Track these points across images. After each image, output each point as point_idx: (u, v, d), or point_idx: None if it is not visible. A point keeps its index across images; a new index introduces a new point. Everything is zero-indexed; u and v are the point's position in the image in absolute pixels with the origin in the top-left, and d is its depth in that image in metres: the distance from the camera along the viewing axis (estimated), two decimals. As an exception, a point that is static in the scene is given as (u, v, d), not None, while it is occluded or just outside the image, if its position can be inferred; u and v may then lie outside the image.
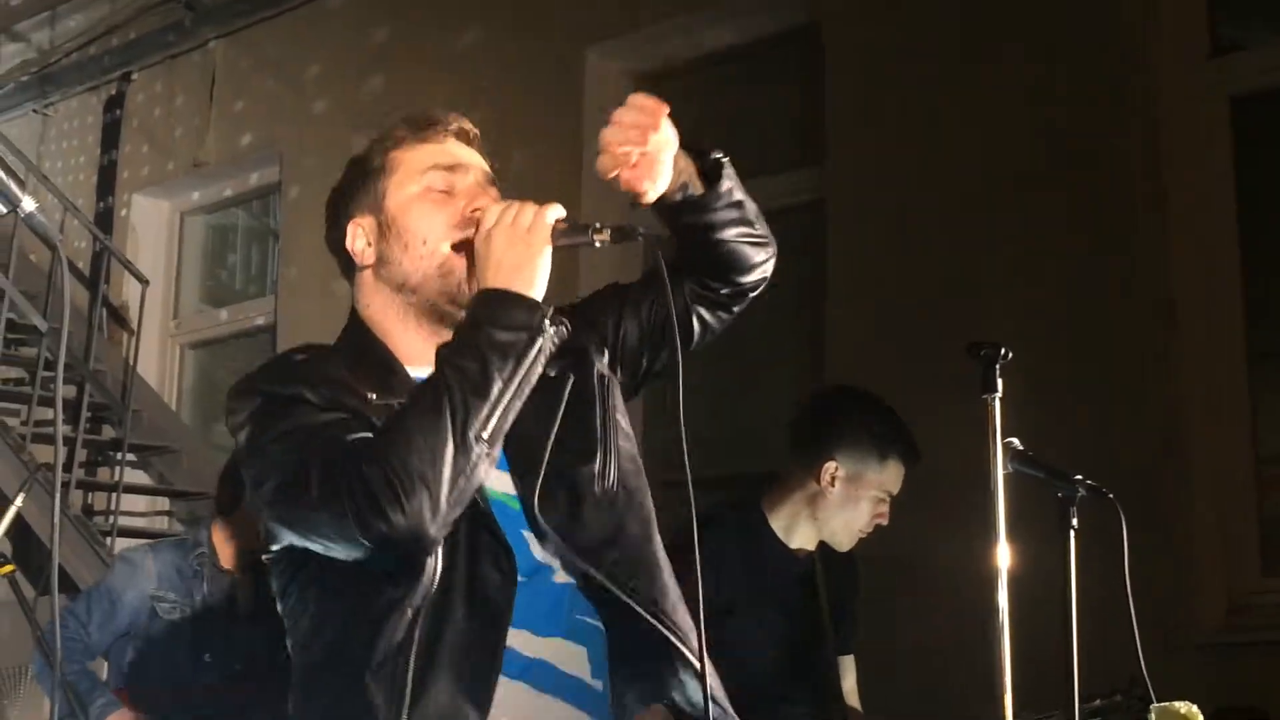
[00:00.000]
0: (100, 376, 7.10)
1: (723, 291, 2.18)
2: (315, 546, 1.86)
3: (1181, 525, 4.29)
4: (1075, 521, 2.47)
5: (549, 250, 1.91)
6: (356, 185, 2.11)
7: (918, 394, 4.23)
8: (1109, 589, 2.51)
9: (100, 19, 7.58)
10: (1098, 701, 2.98)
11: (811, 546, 3.39)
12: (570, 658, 1.95)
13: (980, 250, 4.68)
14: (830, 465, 3.32)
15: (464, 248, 1.99)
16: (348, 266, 2.10)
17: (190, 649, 4.10)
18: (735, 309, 2.21)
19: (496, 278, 1.89)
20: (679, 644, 2.01)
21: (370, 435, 1.84)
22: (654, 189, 1.99)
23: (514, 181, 6.23)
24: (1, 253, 6.82)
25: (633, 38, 5.79)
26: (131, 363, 6.96)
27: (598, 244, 1.95)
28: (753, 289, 2.20)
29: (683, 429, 1.94)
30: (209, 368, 7.76)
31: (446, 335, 1.95)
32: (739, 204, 2.11)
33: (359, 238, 2.07)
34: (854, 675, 3.54)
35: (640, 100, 1.97)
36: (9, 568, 3.93)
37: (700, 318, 2.20)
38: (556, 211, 1.94)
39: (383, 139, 2.14)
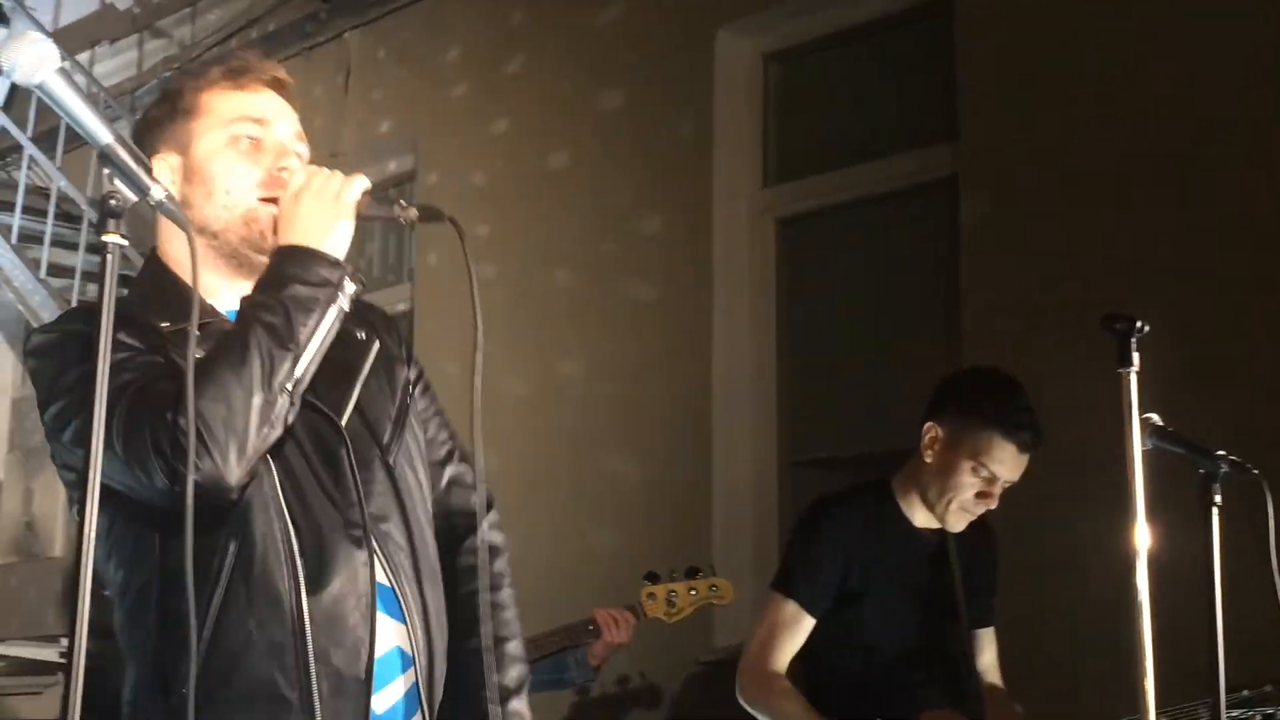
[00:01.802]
0: (244, 364, 7.23)
1: None
2: (119, 489, 1.88)
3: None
4: (1218, 499, 2.40)
5: (352, 220, 1.98)
6: (165, 119, 2.13)
7: (1058, 370, 4.16)
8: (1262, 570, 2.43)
9: (239, 13, 7.71)
10: (1245, 692, 2.87)
11: (937, 524, 3.33)
12: None
13: (1126, 223, 4.55)
14: (929, 428, 3.26)
15: (269, 203, 2.05)
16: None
17: None
18: None
19: (301, 235, 1.96)
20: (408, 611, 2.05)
21: (171, 379, 1.87)
22: None
23: (646, 159, 6.24)
24: (145, 244, 6.97)
25: (763, 16, 5.74)
26: (275, 350, 7.08)
27: (403, 221, 2.03)
28: None
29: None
30: (350, 354, 7.86)
31: (244, 278, 2.05)
32: None
33: (162, 173, 2.04)
34: (994, 649, 3.47)
35: None
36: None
37: None
38: (363, 184, 2.01)
39: (196, 77, 2.15)
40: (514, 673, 2.25)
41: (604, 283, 5.94)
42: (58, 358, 1.97)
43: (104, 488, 1.74)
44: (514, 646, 2.27)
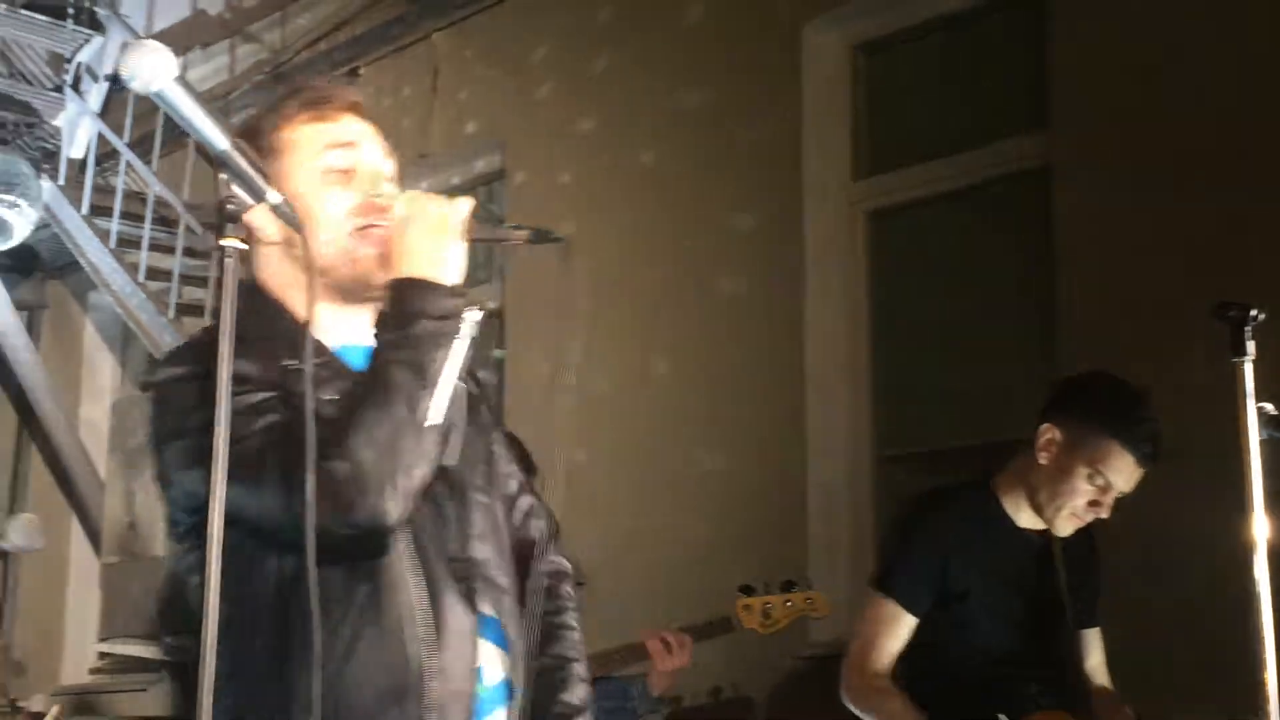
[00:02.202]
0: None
1: None
2: (257, 524, 1.90)
3: None
4: (1337, 490, 2.36)
5: (462, 243, 1.99)
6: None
7: (1162, 361, 4.10)
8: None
9: (328, 16, 7.79)
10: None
11: (1040, 525, 3.30)
12: None
13: (1226, 211, 4.48)
14: (1046, 429, 3.22)
15: (368, 230, 2.05)
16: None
17: None
18: None
19: (418, 267, 1.96)
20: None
21: (315, 421, 1.88)
22: None
23: (735, 154, 6.22)
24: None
25: (851, 8, 5.73)
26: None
27: (513, 242, 2.10)
28: None
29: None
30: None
31: (353, 308, 2.07)
32: None
33: (257, 215, 2.01)
34: (1100, 651, 3.43)
35: None
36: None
37: None
38: (467, 205, 2.01)
39: (273, 115, 2.15)
40: (580, 692, 2.30)
41: (694, 279, 5.94)
42: (185, 395, 1.98)
43: (228, 519, 1.75)
44: (580, 668, 2.33)
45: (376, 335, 1.97)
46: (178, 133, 7.98)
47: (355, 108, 2.17)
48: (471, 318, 2.00)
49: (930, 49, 5.72)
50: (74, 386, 9.12)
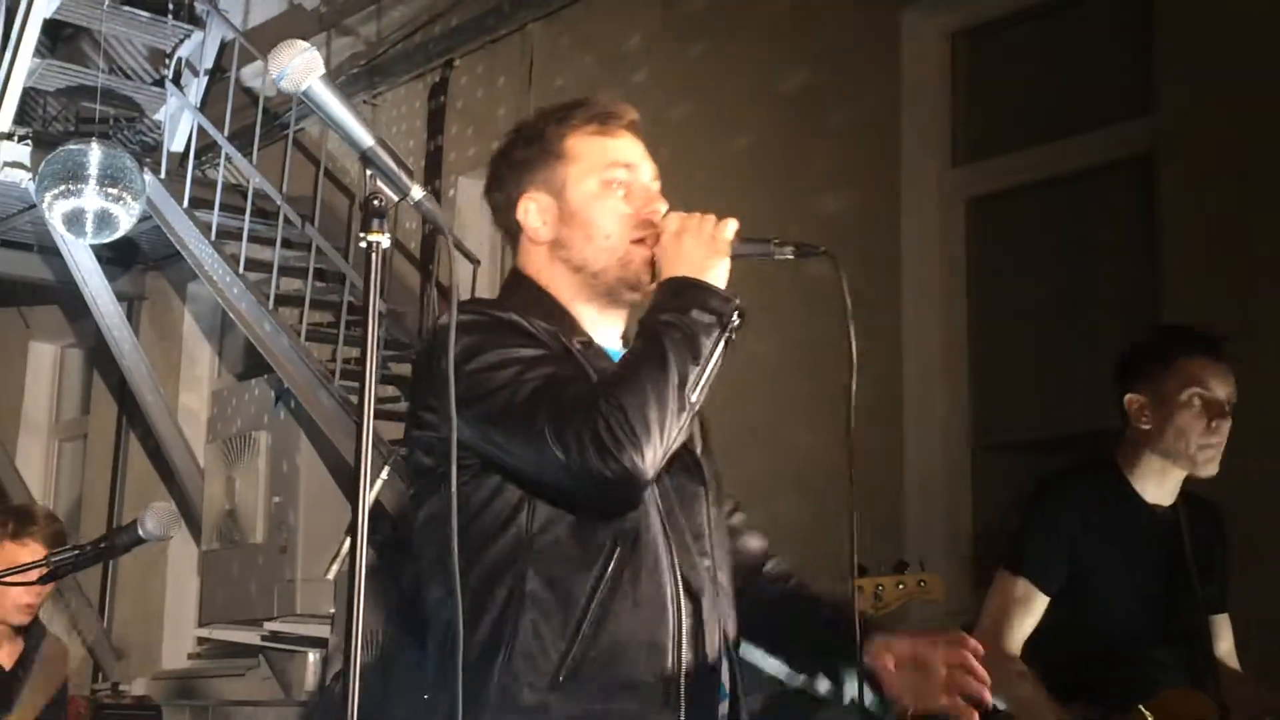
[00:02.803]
0: (435, 355, 7.37)
1: None
2: (519, 466, 2.03)
3: None
4: None
5: (728, 259, 2.14)
6: (533, 161, 2.26)
7: (1270, 348, 4.07)
8: None
9: (423, 9, 7.84)
10: None
11: (1168, 501, 3.30)
12: None
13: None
14: (1129, 401, 3.27)
15: (639, 244, 2.20)
16: (511, 229, 2.28)
17: None
18: None
19: (691, 273, 2.11)
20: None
21: (587, 380, 2.05)
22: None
23: (832, 141, 6.18)
24: (343, 240, 7.15)
25: (949, -7, 5.70)
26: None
27: (777, 256, 2.20)
28: None
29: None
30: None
31: (614, 313, 2.25)
32: None
33: (532, 213, 2.24)
34: (1230, 636, 3.42)
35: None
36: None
37: None
38: (734, 225, 2.16)
39: (561, 121, 2.27)
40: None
41: (789, 264, 5.91)
42: (499, 332, 2.08)
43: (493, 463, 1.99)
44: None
45: (652, 315, 2.09)
46: (275, 125, 8.11)
47: (634, 126, 2.30)
48: (736, 323, 2.10)
49: (1030, 35, 5.68)
50: (173, 376, 9.27)
